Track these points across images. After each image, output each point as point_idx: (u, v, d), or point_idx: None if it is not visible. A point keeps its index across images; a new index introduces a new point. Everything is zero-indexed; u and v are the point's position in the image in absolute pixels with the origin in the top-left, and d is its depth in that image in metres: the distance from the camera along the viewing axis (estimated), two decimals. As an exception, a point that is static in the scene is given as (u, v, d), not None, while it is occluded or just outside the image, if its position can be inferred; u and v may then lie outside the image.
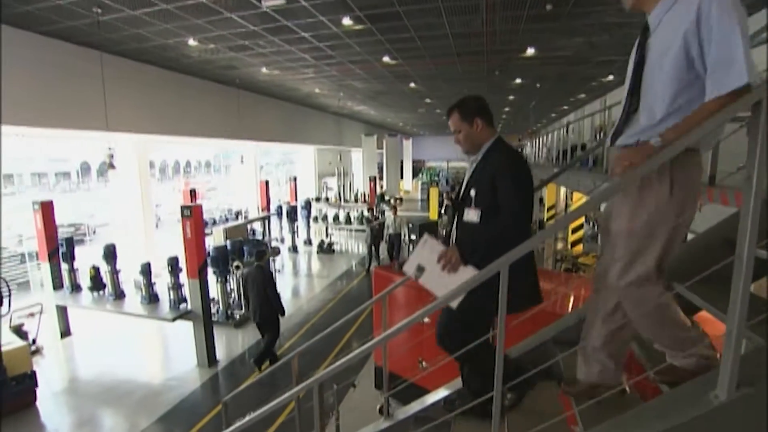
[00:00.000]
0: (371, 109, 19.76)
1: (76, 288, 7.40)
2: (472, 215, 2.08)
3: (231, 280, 8.25)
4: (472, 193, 2.08)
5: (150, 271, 6.65)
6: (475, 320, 2.13)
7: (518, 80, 11.88)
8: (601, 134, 8.86)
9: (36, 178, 24.16)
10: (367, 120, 25.00)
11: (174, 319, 6.11)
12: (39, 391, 5.72)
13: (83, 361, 7.16)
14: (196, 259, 6.06)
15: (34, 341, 7.28)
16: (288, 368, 3.52)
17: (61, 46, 7.30)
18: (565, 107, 18.44)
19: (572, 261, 7.32)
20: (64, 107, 7.43)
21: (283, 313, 6.30)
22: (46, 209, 7.44)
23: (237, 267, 7.94)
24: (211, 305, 8.22)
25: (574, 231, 8.83)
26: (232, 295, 8.40)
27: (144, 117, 9.35)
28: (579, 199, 10.43)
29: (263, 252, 6.54)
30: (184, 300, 6.44)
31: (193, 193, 10.01)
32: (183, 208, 6.02)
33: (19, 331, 7.12)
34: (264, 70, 10.28)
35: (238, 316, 8.13)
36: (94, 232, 16.66)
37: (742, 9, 1.38)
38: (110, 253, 6.95)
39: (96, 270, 7.13)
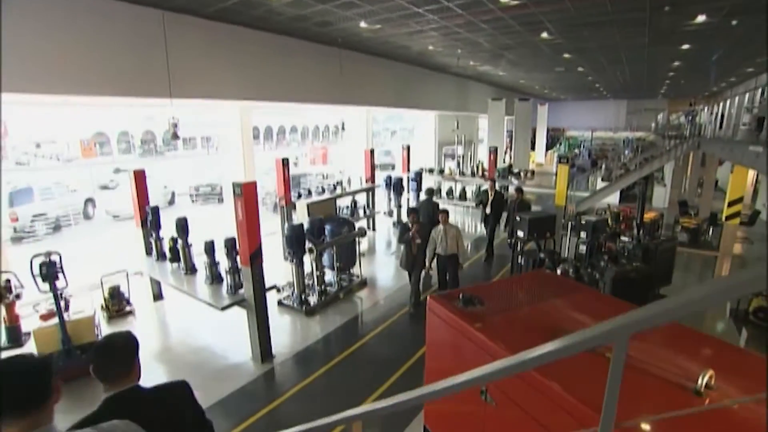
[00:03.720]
0: (499, 70, 17.24)
1: (161, 256, 7.44)
2: None
3: (309, 262, 7.53)
4: None
5: (213, 250, 6.20)
6: None
7: (699, 18, 8.52)
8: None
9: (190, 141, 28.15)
10: (495, 82, 22.30)
11: (224, 308, 5.52)
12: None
13: (168, 326, 7.31)
14: (248, 244, 5.30)
15: (128, 302, 7.63)
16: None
17: (123, 9, 7.02)
18: (771, 58, 13.42)
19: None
20: (131, 74, 7.30)
21: None
22: (139, 178, 7.55)
23: (311, 250, 7.13)
24: (285, 289, 7.71)
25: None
26: (313, 277, 7.71)
27: (232, 82, 8.97)
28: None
29: (432, 189, 10.42)
30: (242, 285, 5.84)
31: (285, 162, 9.42)
32: (234, 186, 5.26)
33: (116, 293, 7.49)
34: (363, 24, 9.05)
35: (312, 303, 7.41)
36: (221, 191, 18.15)
37: None
38: (182, 227, 6.70)
39: (174, 241, 7.00)
